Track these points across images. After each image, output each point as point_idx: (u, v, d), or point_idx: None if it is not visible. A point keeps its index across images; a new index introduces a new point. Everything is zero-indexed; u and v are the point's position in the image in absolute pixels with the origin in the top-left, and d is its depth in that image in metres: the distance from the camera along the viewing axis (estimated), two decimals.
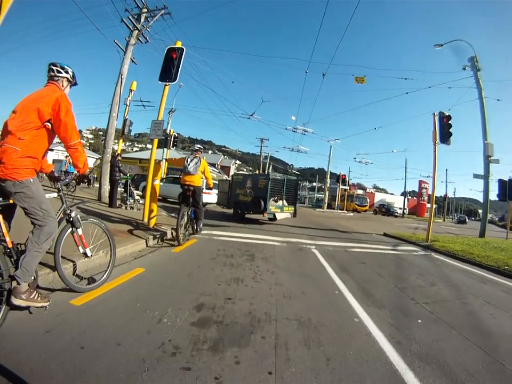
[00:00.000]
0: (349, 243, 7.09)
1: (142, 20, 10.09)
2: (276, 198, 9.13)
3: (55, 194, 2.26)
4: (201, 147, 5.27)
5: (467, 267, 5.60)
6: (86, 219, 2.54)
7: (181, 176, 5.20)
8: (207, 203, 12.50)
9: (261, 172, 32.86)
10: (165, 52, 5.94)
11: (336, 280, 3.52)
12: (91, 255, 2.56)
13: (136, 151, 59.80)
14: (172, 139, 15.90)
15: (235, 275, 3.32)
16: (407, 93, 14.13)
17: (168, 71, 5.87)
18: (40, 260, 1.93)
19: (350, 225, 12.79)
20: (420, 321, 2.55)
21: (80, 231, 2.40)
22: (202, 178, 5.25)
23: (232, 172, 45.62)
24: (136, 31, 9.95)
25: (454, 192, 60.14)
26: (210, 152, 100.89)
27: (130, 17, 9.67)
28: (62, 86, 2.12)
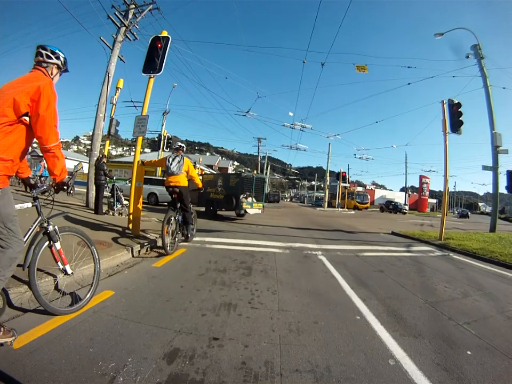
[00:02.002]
0: (358, 245, 6.45)
1: (130, 16, 9.63)
2: (246, 195, 9.68)
3: (29, 204, 1.97)
4: (183, 145, 4.80)
5: (492, 268, 5.10)
6: (65, 230, 2.23)
7: (164, 178, 4.66)
8: None
9: (259, 172, 32.58)
10: (150, 42, 5.55)
11: (354, 299, 2.82)
12: (72, 272, 2.24)
13: (133, 155, 59.26)
14: (166, 140, 15.41)
15: (226, 298, 2.60)
16: (409, 83, 13.56)
17: (152, 62, 5.46)
18: (3, 286, 1.67)
19: (355, 224, 12.25)
20: (469, 352, 1.98)
21: (58, 245, 2.09)
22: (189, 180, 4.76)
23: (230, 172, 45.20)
24: (124, 28, 9.45)
25: (455, 186, 59.79)
26: (208, 154, 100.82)
27: (117, 13, 9.17)
28: (51, 73, 1.83)
